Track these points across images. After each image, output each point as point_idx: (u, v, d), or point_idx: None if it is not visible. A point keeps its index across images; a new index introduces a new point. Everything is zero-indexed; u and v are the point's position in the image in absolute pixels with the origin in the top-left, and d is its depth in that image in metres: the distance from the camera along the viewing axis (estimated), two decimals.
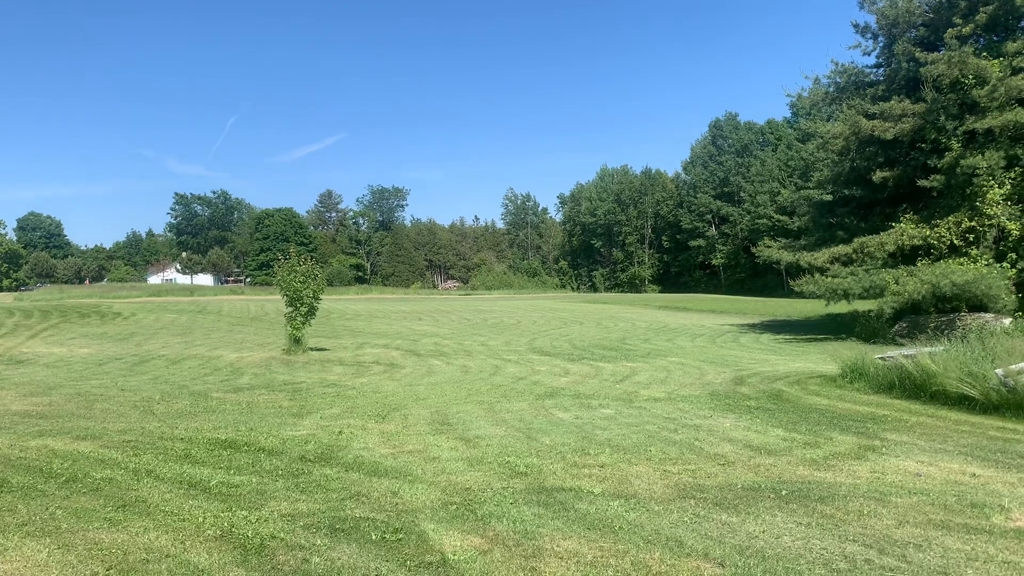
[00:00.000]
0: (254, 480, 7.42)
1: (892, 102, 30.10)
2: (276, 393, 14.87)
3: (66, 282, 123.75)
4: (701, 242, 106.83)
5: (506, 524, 6.02)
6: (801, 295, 32.59)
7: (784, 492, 7.04)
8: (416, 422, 11.11)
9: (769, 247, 36.48)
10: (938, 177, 28.48)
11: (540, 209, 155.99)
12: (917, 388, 13.29)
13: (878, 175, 30.45)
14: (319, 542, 5.58)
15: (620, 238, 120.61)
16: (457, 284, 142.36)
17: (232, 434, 9.95)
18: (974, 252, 27.52)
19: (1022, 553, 5.41)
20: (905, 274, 26.98)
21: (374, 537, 5.68)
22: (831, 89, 34.96)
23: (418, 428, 10.58)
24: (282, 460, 8.35)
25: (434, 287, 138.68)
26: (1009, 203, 27.53)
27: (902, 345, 20.49)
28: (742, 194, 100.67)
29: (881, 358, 15.13)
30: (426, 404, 13.16)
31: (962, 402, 12.16)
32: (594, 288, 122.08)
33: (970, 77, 27.91)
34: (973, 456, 8.70)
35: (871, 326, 28.69)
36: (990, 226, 27.69)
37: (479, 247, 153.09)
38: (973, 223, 27.77)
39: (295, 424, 10.98)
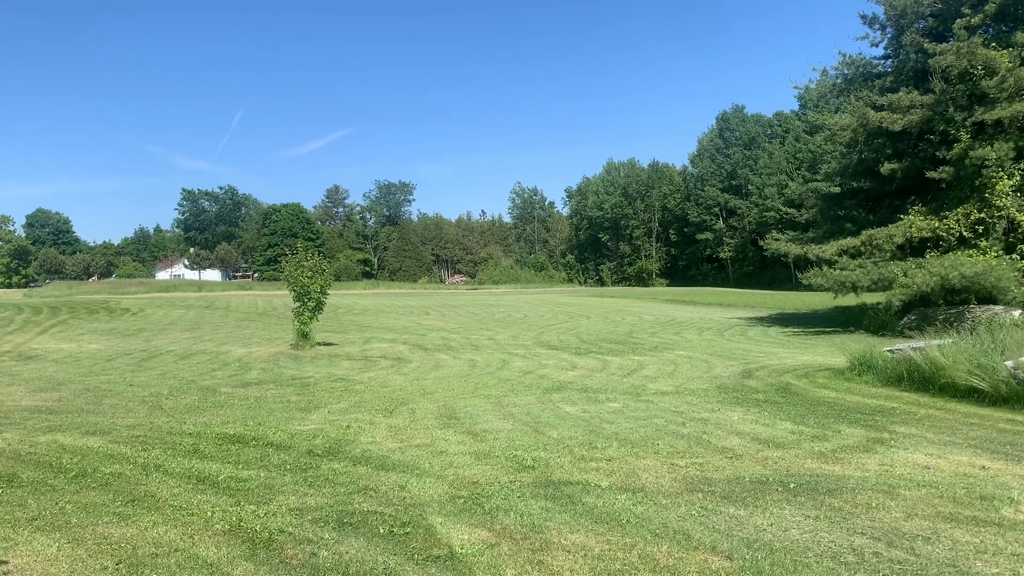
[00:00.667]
0: (262, 474, 7.45)
1: (900, 93, 29.93)
2: (284, 388, 14.91)
3: (75, 278, 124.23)
4: (708, 235, 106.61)
5: (513, 517, 6.03)
6: (809, 288, 32.50)
7: (792, 485, 7.03)
8: (424, 416, 11.13)
9: (777, 240, 36.40)
10: (947, 169, 28.34)
11: (547, 203, 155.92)
12: (926, 381, 13.24)
13: (886, 167, 30.30)
14: (327, 536, 5.60)
15: (627, 232, 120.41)
16: (464, 279, 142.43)
17: (240, 429, 9.99)
18: (983, 244, 27.39)
19: None
20: (914, 266, 26.88)
21: (382, 531, 5.70)
22: (839, 81, 34.78)
23: (426, 422, 10.60)
24: (290, 454, 8.37)
25: (441, 282, 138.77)
26: (1019, 194, 27.38)
27: (911, 338, 20.41)
28: (750, 187, 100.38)
29: (890, 351, 15.08)
30: (433, 398, 13.18)
31: (971, 394, 12.11)
32: (601, 282, 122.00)
33: (979, 68, 27.73)
34: (982, 448, 8.67)
35: (879, 319, 28.60)
36: (999, 218, 27.55)
37: (486, 241, 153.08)
38: (982, 215, 27.63)
39: (303, 419, 11.01)
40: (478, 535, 5.63)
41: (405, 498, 6.63)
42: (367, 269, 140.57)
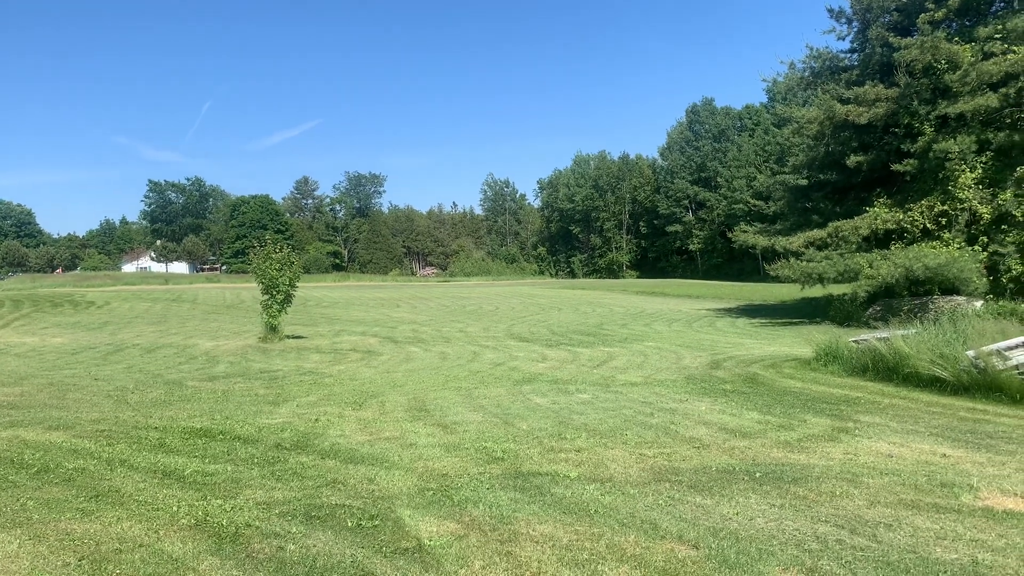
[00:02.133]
0: (229, 468, 7.38)
1: (866, 87, 30.30)
2: (252, 381, 14.78)
3: (38, 271, 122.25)
4: (678, 227, 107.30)
5: (482, 509, 6.04)
6: (776, 279, 32.84)
7: (758, 474, 7.11)
8: (393, 409, 11.09)
9: (745, 232, 36.71)
10: (911, 161, 28.76)
11: (519, 195, 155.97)
12: (890, 370, 13.46)
13: (852, 160, 30.67)
14: (294, 529, 5.57)
15: (598, 224, 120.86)
16: (435, 271, 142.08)
17: (207, 423, 9.89)
18: (946, 236, 27.85)
19: (989, 531, 5.51)
20: (879, 258, 27.27)
21: (350, 524, 5.68)
22: (806, 74, 35.11)
23: (395, 415, 10.57)
24: (258, 448, 8.31)
25: (412, 274, 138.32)
26: (980, 187, 27.85)
27: (876, 328, 20.72)
28: (719, 179, 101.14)
29: (855, 341, 15.30)
30: (403, 391, 13.14)
31: (934, 384, 12.33)
32: (572, 274, 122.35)
33: (942, 62, 28.16)
34: (944, 437, 8.83)
35: (845, 309, 28.98)
36: (962, 210, 28.01)
37: (457, 234, 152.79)
38: (945, 207, 28.08)
39: (271, 412, 10.93)
40: (447, 527, 5.63)
41: (374, 491, 6.61)
42: (337, 261, 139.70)
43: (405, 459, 7.82)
